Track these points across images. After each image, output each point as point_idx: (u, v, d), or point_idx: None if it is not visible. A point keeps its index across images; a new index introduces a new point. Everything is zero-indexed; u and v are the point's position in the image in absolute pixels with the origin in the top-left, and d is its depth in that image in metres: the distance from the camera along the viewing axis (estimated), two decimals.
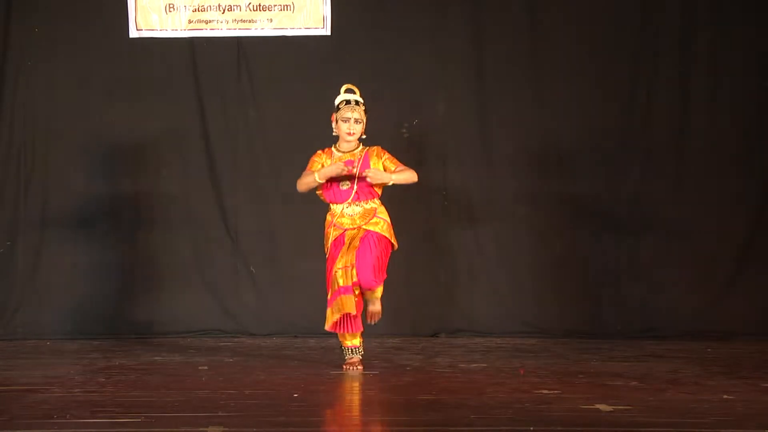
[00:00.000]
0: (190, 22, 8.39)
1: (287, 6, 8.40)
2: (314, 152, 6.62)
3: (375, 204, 6.55)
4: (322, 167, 6.49)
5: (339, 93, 6.58)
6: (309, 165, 6.58)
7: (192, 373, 6.38)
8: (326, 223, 6.60)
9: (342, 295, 6.36)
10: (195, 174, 8.45)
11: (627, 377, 6.09)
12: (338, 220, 6.52)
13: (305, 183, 6.54)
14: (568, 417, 4.86)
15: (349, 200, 6.50)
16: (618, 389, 5.68)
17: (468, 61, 8.45)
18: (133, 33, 8.35)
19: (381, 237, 6.49)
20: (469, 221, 8.42)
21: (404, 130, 8.35)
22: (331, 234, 6.53)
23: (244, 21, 8.42)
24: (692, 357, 7.15)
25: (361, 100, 6.56)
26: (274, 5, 8.40)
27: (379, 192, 6.58)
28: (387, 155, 6.58)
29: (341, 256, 6.41)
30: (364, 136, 6.57)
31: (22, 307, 8.26)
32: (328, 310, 6.42)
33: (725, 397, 5.40)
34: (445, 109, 8.37)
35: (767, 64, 8.40)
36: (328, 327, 6.46)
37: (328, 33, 8.40)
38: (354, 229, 6.48)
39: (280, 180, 8.26)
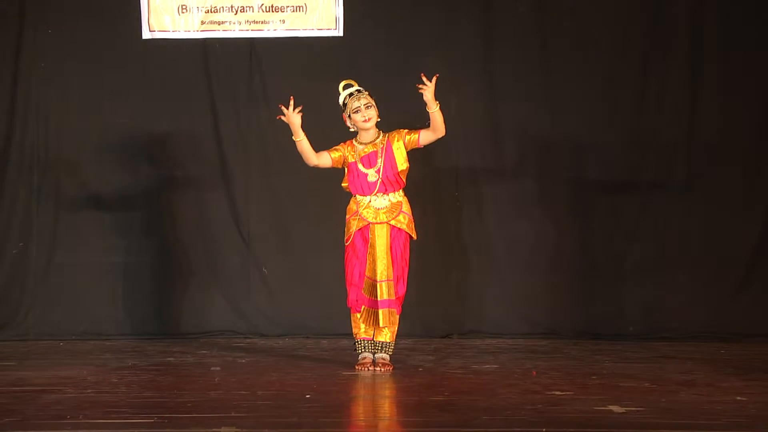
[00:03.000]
0: (202, 23, 8.40)
1: (300, 7, 8.41)
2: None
3: (400, 197, 6.54)
4: (343, 155, 6.53)
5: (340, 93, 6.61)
6: (330, 149, 6.58)
7: (204, 373, 6.39)
8: (348, 210, 6.58)
9: (385, 308, 6.41)
10: (207, 174, 8.46)
11: (640, 379, 6.08)
12: (363, 211, 6.51)
13: (302, 155, 6.55)
14: (580, 418, 4.85)
15: (375, 191, 6.50)
16: (631, 391, 5.67)
17: (479, 61, 8.45)
18: (146, 34, 8.37)
19: (406, 237, 6.52)
20: (481, 222, 8.42)
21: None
22: (354, 225, 6.52)
23: (257, 22, 8.43)
24: (705, 358, 7.14)
25: (362, 89, 6.59)
26: (287, 6, 8.41)
27: (404, 180, 6.56)
28: (405, 130, 6.56)
29: (375, 261, 6.42)
30: (379, 119, 6.56)
31: (35, 307, 8.29)
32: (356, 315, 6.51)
33: (738, 398, 5.38)
34: (457, 105, 8.34)
35: None
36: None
37: (341, 34, 8.41)
38: (379, 223, 6.48)
39: (292, 181, 8.27)
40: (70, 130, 8.39)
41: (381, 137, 6.56)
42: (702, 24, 8.38)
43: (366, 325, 6.52)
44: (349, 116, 6.55)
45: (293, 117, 6.48)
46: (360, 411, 5.41)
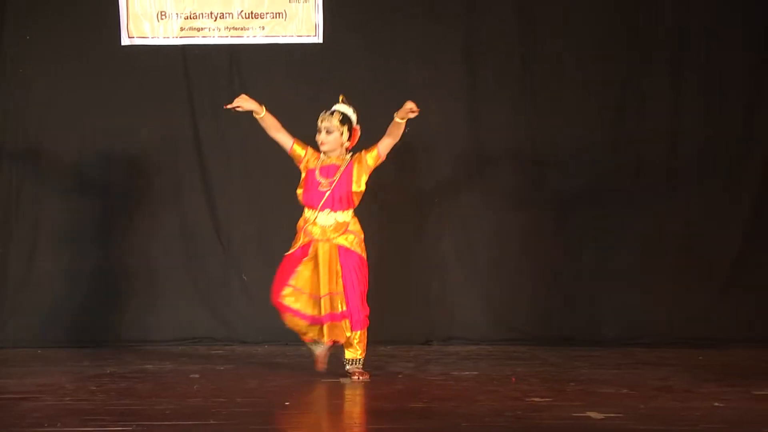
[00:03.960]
0: (182, 29, 8.39)
1: (279, 14, 8.41)
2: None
3: (348, 217, 6.54)
4: (305, 157, 6.55)
5: (335, 100, 6.64)
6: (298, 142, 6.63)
7: (183, 381, 6.38)
8: (298, 226, 6.61)
9: (309, 323, 6.45)
10: (187, 181, 8.45)
11: (618, 385, 6.10)
12: (309, 227, 6.53)
13: (267, 128, 6.64)
14: (560, 425, 4.87)
15: (322, 204, 6.50)
16: (609, 397, 5.69)
17: (459, 68, 8.46)
18: (125, 41, 8.35)
19: (357, 257, 6.51)
20: (461, 228, 8.42)
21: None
22: (301, 239, 6.55)
23: (237, 28, 8.43)
24: (682, 364, 7.17)
25: (342, 110, 6.60)
26: (267, 13, 8.41)
27: (356, 203, 6.58)
28: (363, 151, 6.58)
29: (320, 277, 6.43)
30: (347, 144, 6.59)
31: (13, 315, 8.24)
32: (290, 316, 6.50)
33: (716, 404, 5.41)
34: (437, 111, 8.35)
35: (761, 68, 8.42)
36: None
37: (321, 41, 8.41)
38: (324, 241, 6.49)
39: (272, 187, 8.26)
40: (49, 136, 8.35)
41: (348, 156, 6.60)
42: (685, 31, 8.41)
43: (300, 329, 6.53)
44: None
45: (244, 102, 6.58)
46: (339, 418, 5.41)
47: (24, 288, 8.29)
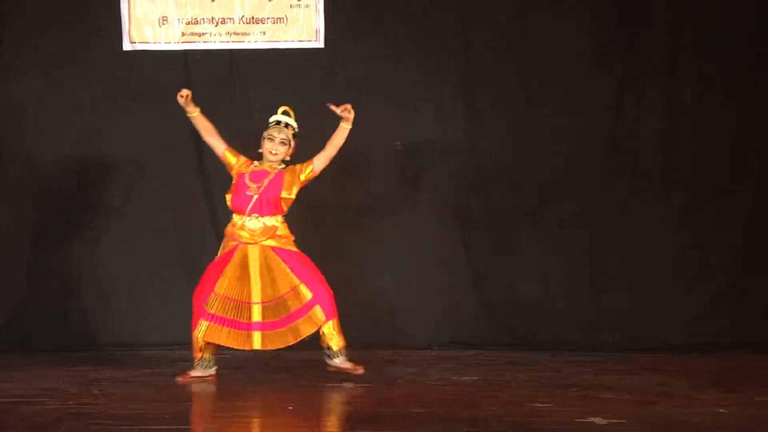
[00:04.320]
0: (183, 35, 8.41)
1: (280, 19, 8.43)
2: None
3: (276, 222, 6.60)
4: (237, 164, 6.64)
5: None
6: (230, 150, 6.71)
7: (184, 384, 6.38)
8: (225, 232, 6.68)
9: (233, 329, 6.45)
10: (187, 186, 8.45)
11: (619, 390, 6.11)
12: (237, 231, 6.58)
13: (199, 129, 6.77)
14: (562, 430, 4.88)
15: (249, 208, 6.55)
16: (610, 402, 5.70)
17: (458, 73, 8.46)
18: (127, 46, 8.37)
19: (297, 253, 6.57)
20: (461, 233, 8.42)
21: (398, 143, 8.37)
22: (228, 244, 6.61)
23: (238, 34, 8.44)
24: (683, 369, 7.16)
25: (293, 124, 6.71)
26: (268, 18, 8.43)
27: (285, 209, 6.65)
28: (299, 166, 6.67)
29: (249, 284, 6.47)
30: (288, 158, 6.70)
31: (12, 319, 8.24)
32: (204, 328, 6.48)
33: (720, 410, 5.42)
34: (435, 116, 8.38)
35: (755, 75, 8.44)
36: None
37: (322, 45, 8.42)
38: (252, 243, 6.53)
39: None
40: (49, 142, 8.35)
41: (280, 167, 6.67)
42: (680, 44, 8.42)
43: (206, 343, 6.50)
44: (263, 138, 6.67)
45: (183, 99, 6.71)
46: (340, 423, 5.42)
47: (22, 293, 8.29)
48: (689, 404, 5.67)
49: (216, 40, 8.44)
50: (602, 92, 8.44)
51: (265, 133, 6.67)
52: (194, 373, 6.51)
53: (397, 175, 8.40)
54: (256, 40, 8.43)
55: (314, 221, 7.97)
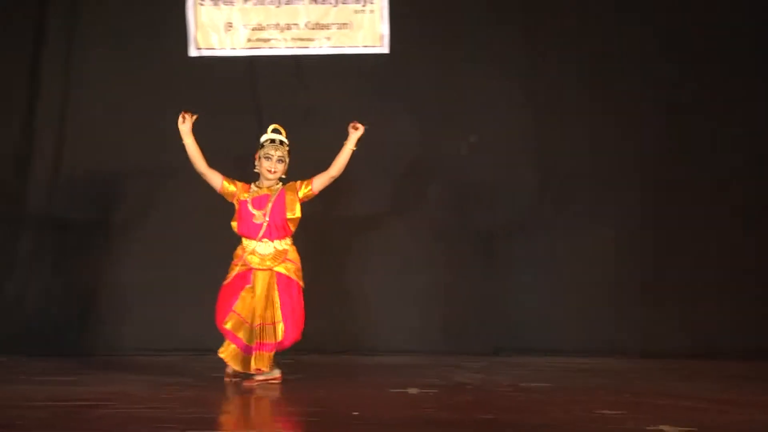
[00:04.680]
0: (249, 40, 8.45)
1: (345, 24, 8.44)
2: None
3: (287, 245, 6.68)
4: (237, 191, 6.70)
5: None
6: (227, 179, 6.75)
7: (253, 389, 6.39)
8: (235, 255, 6.73)
9: (243, 353, 6.61)
10: None
11: (692, 398, 6.00)
12: (248, 257, 6.65)
13: (190, 157, 6.76)
14: None
15: (260, 235, 6.61)
16: (683, 410, 5.60)
17: (524, 77, 8.43)
18: (193, 52, 8.44)
19: (296, 286, 6.65)
20: (530, 237, 8.37)
21: (467, 143, 8.34)
22: (237, 268, 6.67)
23: (303, 39, 8.47)
24: (755, 376, 7.06)
25: (286, 141, 6.75)
26: (333, 24, 8.44)
27: (293, 229, 6.70)
28: (299, 183, 6.74)
29: (254, 306, 6.57)
30: (284, 176, 6.74)
31: (86, 324, 8.32)
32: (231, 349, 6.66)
33: None
34: (500, 126, 8.35)
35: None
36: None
37: (386, 51, 8.43)
38: (264, 270, 6.60)
39: (337, 196, 8.26)
40: (118, 147, 8.45)
41: (278, 186, 6.72)
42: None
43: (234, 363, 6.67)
44: (260, 158, 6.71)
45: (186, 125, 6.74)
46: (407, 429, 5.37)
47: (101, 296, 8.38)
48: (764, 411, 5.55)
49: (281, 46, 8.48)
50: (673, 99, 8.35)
51: (261, 153, 6.73)
52: (259, 377, 6.57)
53: (463, 180, 8.36)
54: (321, 45, 8.46)
55: (379, 224, 7.95)
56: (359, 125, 6.68)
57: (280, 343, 6.60)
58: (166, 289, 8.37)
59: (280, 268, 6.63)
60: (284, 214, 6.64)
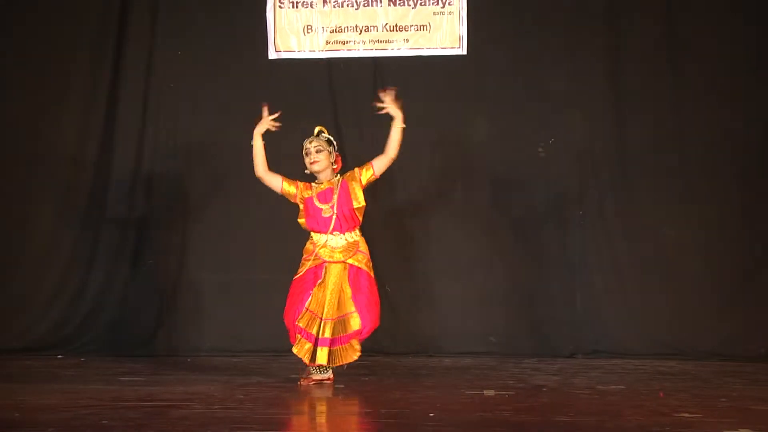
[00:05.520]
0: (327, 43, 8.50)
1: (423, 26, 8.44)
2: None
3: (356, 236, 6.71)
4: (298, 191, 6.75)
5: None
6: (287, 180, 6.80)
7: (329, 391, 6.42)
8: (305, 250, 6.76)
9: (325, 347, 6.57)
10: None
11: None
12: (320, 251, 6.66)
13: (254, 158, 6.82)
14: None
15: (331, 228, 6.63)
16: (763, 414, 5.53)
17: (606, 79, 8.36)
18: (273, 54, 8.51)
19: (367, 275, 6.67)
20: (606, 240, 8.31)
21: (540, 150, 8.31)
22: (308, 264, 6.68)
23: (381, 41, 8.49)
24: None
25: (326, 136, 6.81)
26: (411, 25, 8.45)
27: (360, 219, 6.72)
28: (357, 169, 6.76)
29: (324, 300, 6.58)
30: (334, 166, 6.78)
31: (163, 325, 8.43)
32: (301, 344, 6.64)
33: None
34: (582, 128, 8.29)
35: None
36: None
37: (465, 53, 8.41)
38: (336, 262, 6.63)
39: (416, 199, 8.29)
40: (198, 151, 8.53)
41: (338, 178, 6.76)
42: None
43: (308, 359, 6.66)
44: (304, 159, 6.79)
45: (263, 125, 6.79)
46: (483, 430, 5.37)
47: (174, 298, 8.48)
48: None
49: (360, 48, 8.51)
50: (759, 100, 8.22)
51: (303, 153, 6.78)
52: (315, 377, 6.66)
53: (542, 183, 8.32)
54: (400, 47, 8.47)
55: (456, 224, 7.95)
56: (387, 91, 6.70)
57: (358, 332, 6.60)
58: (243, 289, 8.42)
59: (353, 261, 6.66)
60: (351, 203, 6.67)
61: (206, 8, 8.59)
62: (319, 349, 6.57)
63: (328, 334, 6.57)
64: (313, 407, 5.83)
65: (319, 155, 6.74)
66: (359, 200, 6.70)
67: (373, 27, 8.49)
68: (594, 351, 8.20)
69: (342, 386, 6.60)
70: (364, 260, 6.70)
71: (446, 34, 8.43)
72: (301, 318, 6.63)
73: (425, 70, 8.45)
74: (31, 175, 8.56)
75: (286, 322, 6.73)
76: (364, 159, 8.41)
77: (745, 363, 7.76)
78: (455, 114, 8.36)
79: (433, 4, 8.43)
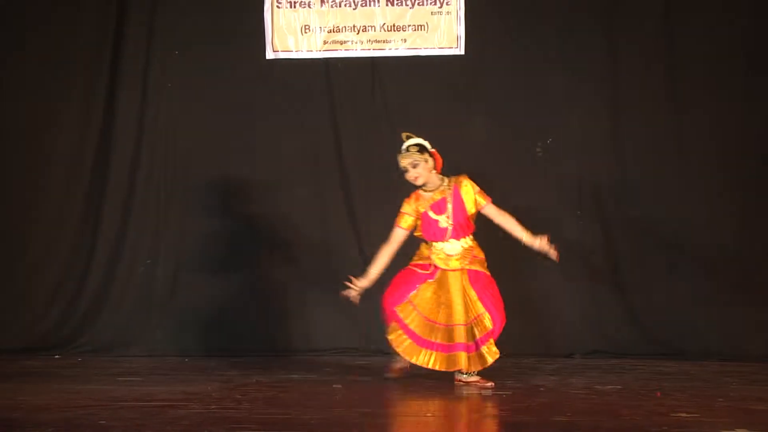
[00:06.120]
0: (325, 43, 8.49)
1: (421, 26, 8.44)
2: (404, 199, 6.83)
3: (471, 242, 6.73)
4: (413, 211, 6.73)
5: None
6: (398, 219, 6.80)
7: (327, 391, 6.42)
8: (419, 255, 6.80)
9: (462, 351, 6.55)
10: (330, 192, 8.52)
11: None
12: (436, 257, 6.70)
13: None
14: None
15: (448, 236, 6.66)
16: (761, 414, 5.53)
17: (601, 79, 8.36)
18: (270, 54, 8.50)
19: (486, 276, 6.70)
20: (604, 240, 8.31)
21: (539, 149, 8.31)
22: (432, 261, 6.71)
23: (378, 41, 8.48)
24: None
25: (413, 142, 6.71)
26: (408, 25, 8.45)
27: (473, 224, 6.76)
28: (477, 189, 6.74)
29: (451, 307, 6.58)
30: (433, 172, 6.75)
31: (161, 324, 8.43)
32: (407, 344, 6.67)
33: None
34: (579, 129, 8.30)
35: None
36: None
37: (462, 52, 8.41)
38: (453, 270, 6.65)
39: None
40: (196, 149, 8.53)
41: (447, 183, 6.74)
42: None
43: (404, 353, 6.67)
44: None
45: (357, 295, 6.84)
46: (481, 430, 5.38)
47: (171, 299, 8.48)
48: None
49: (357, 48, 8.50)
50: (758, 95, 8.22)
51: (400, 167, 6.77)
52: (398, 365, 6.77)
53: (541, 183, 8.32)
54: (397, 47, 8.47)
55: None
56: (552, 254, 6.72)
57: (492, 332, 6.58)
58: (242, 289, 8.42)
59: (473, 266, 6.67)
60: (465, 212, 6.69)
61: (204, 8, 8.58)
62: (459, 354, 6.55)
63: (461, 339, 6.56)
64: (311, 407, 5.82)
65: (416, 170, 6.69)
66: (471, 207, 6.70)
67: (371, 27, 8.49)
68: (591, 351, 8.20)
69: (340, 386, 6.60)
70: (482, 264, 6.73)
71: (444, 34, 8.43)
72: (401, 308, 6.64)
73: (423, 70, 8.45)
74: (31, 175, 8.55)
75: (384, 303, 6.76)
76: (363, 159, 8.48)
77: (744, 363, 7.75)
78: (453, 114, 8.36)
79: (430, 4, 8.43)
